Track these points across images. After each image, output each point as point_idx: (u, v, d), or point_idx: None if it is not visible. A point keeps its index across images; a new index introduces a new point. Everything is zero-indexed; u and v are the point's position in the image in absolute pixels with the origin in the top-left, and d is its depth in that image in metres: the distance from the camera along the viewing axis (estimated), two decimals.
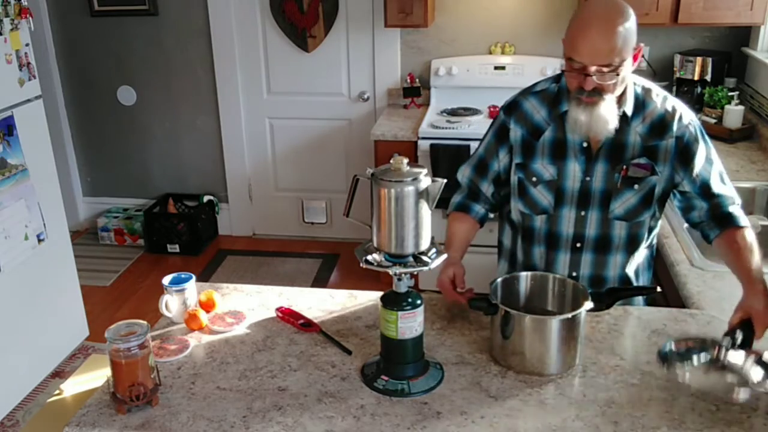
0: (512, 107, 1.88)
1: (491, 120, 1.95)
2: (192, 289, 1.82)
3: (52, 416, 3.00)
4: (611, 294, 1.70)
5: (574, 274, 1.89)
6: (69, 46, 4.46)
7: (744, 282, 1.61)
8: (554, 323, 1.53)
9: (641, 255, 1.91)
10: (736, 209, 1.78)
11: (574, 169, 1.81)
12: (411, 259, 1.47)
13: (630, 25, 1.62)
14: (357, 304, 1.88)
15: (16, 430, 2.93)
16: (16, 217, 2.98)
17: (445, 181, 1.46)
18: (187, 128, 4.54)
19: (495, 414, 1.43)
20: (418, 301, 1.50)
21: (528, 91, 1.88)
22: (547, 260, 1.91)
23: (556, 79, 1.85)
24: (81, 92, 4.57)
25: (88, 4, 4.29)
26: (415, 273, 1.48)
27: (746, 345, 1.51)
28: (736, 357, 1.51)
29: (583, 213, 1.83)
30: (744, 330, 1.52)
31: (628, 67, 1.66)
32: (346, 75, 4.23)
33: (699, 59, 3.51)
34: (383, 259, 1.48)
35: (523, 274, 1.73)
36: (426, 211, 1.45)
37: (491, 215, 2.00)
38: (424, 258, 1.47)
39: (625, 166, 1.78)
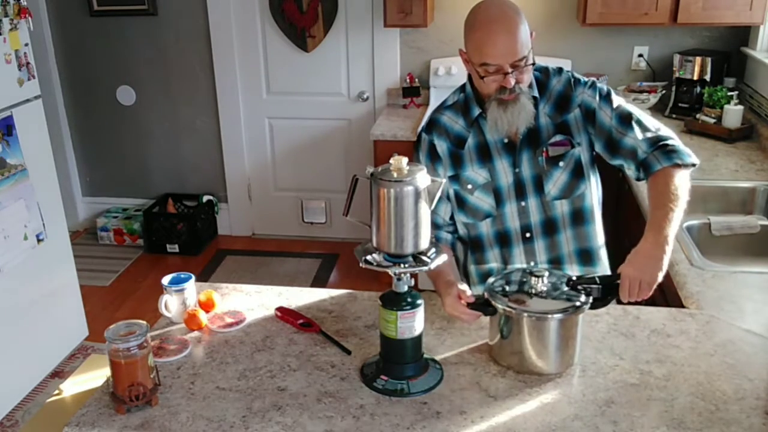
0: (431, 125, 1.93)
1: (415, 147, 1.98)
2: (191, 289, 1.82)
3: (52, 416, 3.00)
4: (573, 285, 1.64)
5: (532, 262, 1.92)
6: (68, 46, 4.46)
7: (646, 228, 1.64)
8: (552, 322, 1.53)
9: (594, 228, 1.92)
10: (655, 151, 1.74)
11: (502, 165, 1.86)
12: (410, 258, 1.47)
13: (522, 15, 1.71)
14: (356, 304, 1.88)
15: (16, 430, 2.93)
16: (16, 217, 2.97)
17: (445, 180, 1.46)
18: (187, 128, 4.54)
19: (494, 414, 1.43)
20: (418, 301, 1.50)
21: (440, 108, 1.94)
22: (503, 260, 1.94)
23: (461, 89, 1.91)
24: (80, 92, 4.57)
25: (87, 3, 4.29)
26: (415, 273, 1.48)
27: (603, 297, 1.57)
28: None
29: (522, 204, 1.88)
30: (607, 289, 1.57)
31: (531, 54, 1.73)
32: (345, 75, 4.23)
33: (698, 59, 3.51)
34: (383, 259, 1.48)
35: (518, 270, 1.73)
36: (425, 210, 1.45)
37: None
38: (424, 258, 1.47)
39: (544, 149, 1.83)
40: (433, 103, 3.98)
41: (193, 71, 4.38)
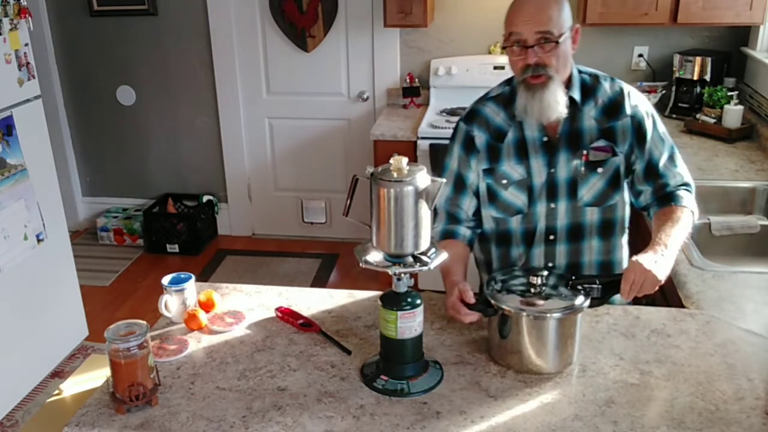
0: (472, 115, 1.91)
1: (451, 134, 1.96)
2: (191, 289, 1.82)
3: (52, 416, 3.00)
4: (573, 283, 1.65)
5: (550, 264, 1.90)
6: (68, 46, 4.46)
7: (652, 240, 1.69)
8: (551, 321, 1.53)
9: (618, 242, 1.92)
10: (681, 190, 1.83)
11: (538, 164, 1.83)
12: (410, 258, 1.47)
13: (564, 4, 1.70)
14: (356, 304, 1.88)
15: (16, 430, 2.93)
16: (16, 217, 2.97)
17: (445, 180, 1.46)
18: (187, 128, 4.54)
19: (494, 414, 1.43)
20: (418, 301, 1.50)
21: (484, 98, 1.92)
22: (525, 258, 1.92)
23: (508, 82, 1.89)
24: (80, 92, 4.57)
25: (87, 3, 4.29)
26: (415, 273, 1.48)
27: (603, 296, 1.60)
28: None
29: (552, 205, 1.85)
30: (607, 286, 1.59)
31: (567, 44, 1.71)
32: (345, 75, 4.23)
33: (698, 59, 3.52)
34: (383, 259, 1.48)
35: (517, 270, 1.73)
36: (425, 211, 1.45)
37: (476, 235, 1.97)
38: (424, 258, 1.47)
39: (585, 152, 1.80)
40: (433, 103, 3.98)
41: (193, 71, 4.38)
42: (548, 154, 1.82)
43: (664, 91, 3.67)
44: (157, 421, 1.44)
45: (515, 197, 1.87)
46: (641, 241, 1.89)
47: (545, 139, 1.82)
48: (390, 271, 1.47)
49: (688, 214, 1.78)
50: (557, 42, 1.67)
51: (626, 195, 1.89)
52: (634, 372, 1.55)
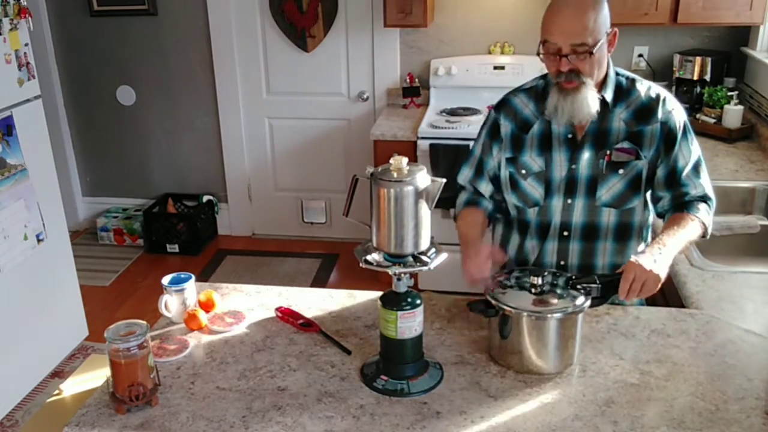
0: (502, 104, 1.94)
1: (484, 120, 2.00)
2: (191, 289, 1.82)
3: (52, 416, 3.00)
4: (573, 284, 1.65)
5: (563, 263, 1.91)
6: (68, 46, 4.45)
7: (653, 241, 1.71)
8: (552, 321, 1.53)
9: (635, 247, 1.91)
10: (700, 202, 1.81)
11: (560, 158, 1.84)
12: (410, 258, 1.47)
13: (602, 8, 1.69)
14: (356, 304, 1.88)
15: (16, 430, 2.93)
16: (16, 217, 2.97)
17: (445, 180, 1.46)
18: (187, 128, 4.54)
19: (494, 414, 1.43)
20: (418, 301, 1.50)
21: (518, 89, 1.95)
22: (538, 252, 1.93)
23: (544, 76, 1.89)
24: (80, 92, 4.56)
25: (87, 4, 4.29)
26: (415, 273, 1.48)
27: (603, 296, 1.60)
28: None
29: (569, 201, 1.86)
30: (607, 285, 1.60)
31: (603, 50, 1.71)
32: (345, 75, 4.23)
33: (698, 59, 3.52)
34: (383, 259, 1.48)
35: (518, 270, 1.73)
36: (425, 211, 1.45)
37: (498, 215, 2.01)
38: (424, 258, 1.47)
39: (608, 152, 1.81)
40: (433, 103, 3.99)
41: (193, 71, 4.38)
42: (571, 150, 1.83)
43: None
44: (157, 421, 1.44)
45: (533, 188, 1.88)
46: None
47: (570, 135, 1.83)
48: (390, 271, 1.47)
49: (697, 224, 1.77)
50: (591, 52, 1.68)
51: (645, 200, 1.88)
52: (634, 372, 1.55)
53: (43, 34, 4.32)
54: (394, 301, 1.50)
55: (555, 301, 1.57)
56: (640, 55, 3.83)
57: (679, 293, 1.95)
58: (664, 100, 1.81)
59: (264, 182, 4.58)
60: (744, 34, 3.66)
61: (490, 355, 1.62)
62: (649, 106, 1.81)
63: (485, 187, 1.96)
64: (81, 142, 4.70)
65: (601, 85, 1.79)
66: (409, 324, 1.50)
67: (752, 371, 1.54)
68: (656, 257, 1.63)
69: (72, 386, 3.19)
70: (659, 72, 3.79)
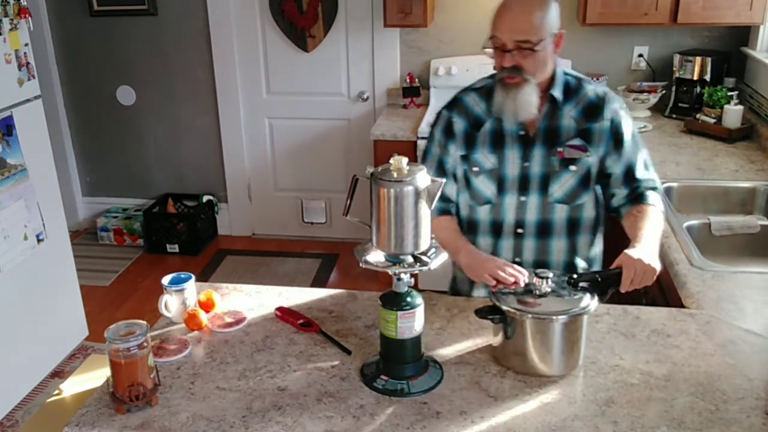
0: (454, 103, 1.98)
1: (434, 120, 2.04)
2: (191, 289, 1.82)
3: (52, 416, 3.00)
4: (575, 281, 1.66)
5: (518, 260, 1.94)
6: (68, 46, 4.45)
7: (631, 240, 1.74)
8: (557, 324, 1.53)
9: (586, 243, 1.96)
10: (651, 192, 1.89)
11: (513, 156, 1.88)
12: (410, 258, 1.47)
13: (549, 9, 1.75)
14: (356, 304, 1.88)
15: (16, 430, 2.93)
16: (16, 217, 2.97)
17: (445, 180, 1.46)
18: (187, 128, 4.54)
19: (494, 414, 1.43)
20: (418, 301, 1.50)
21: (467, 89, 1.99)
22: (492, 250, 1.96)
23: (492, 75, 1.94)
24: (80, 92, 4.56)
25: (87, 4, 4.29)
26: (415, 273, 1.48)
27: (602, 292, 1.62)
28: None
29: (523, 198, 1.90)
30: (608, 280, 1.62)
31: (546, 49, 1.76)
32: (345, 75, 4.23)
33: (698, 59, 3.51)
34: (383, 259, 1.48)
35: (524, 272, 1.72)
36: (425, 210, 1.45)
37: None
38: (424, 258, 1.47)
39: (560, 149, 1.86)
40: (433, 103, 3.98)
41: (193, 71, 4.38)
42: (524, 147, 1.88)
43: (664, 91, 3.67)
44: (157, 421, 1.44)
45: (485, 186, 1.92)
46: (617, 241, 1.90)
47: (522, 132, 1.88)
48: (390, 271, 1.47)
49: (658, 211, 1.85)
50: (533, 49, 1.73)
51: (595, 196, 1.94)
52: (634, 372, 1.55)
53: (43, 34, 4.32)
54: (394, 301, 1.50)
55: (560, 302, 1.56)
56: (640, 55, 3.83)
57: (679, 293, 1.95)
58: (610, 98, 1.88)
59: (264, 182, 4.58)
60: (744, 34, 3.66)
61: (493, 356, 1.61)
62: (597, 104, 1.87)
63: (449, 188, 1.96)
64: (81, 142, 4.70)
65: (549, 84, 1.84)
66: (409, 324, 1.50)
67: (752, 371, 1.54)
68: (648, 250, 1.68)
69: (72, 386, 3.19)
70: (659, 72, 3.79)
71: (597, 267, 2.02)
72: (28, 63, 3.04)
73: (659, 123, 3.55)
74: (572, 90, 1.88)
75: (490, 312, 1.58)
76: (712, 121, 3.29)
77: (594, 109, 1.86)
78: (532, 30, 1.72)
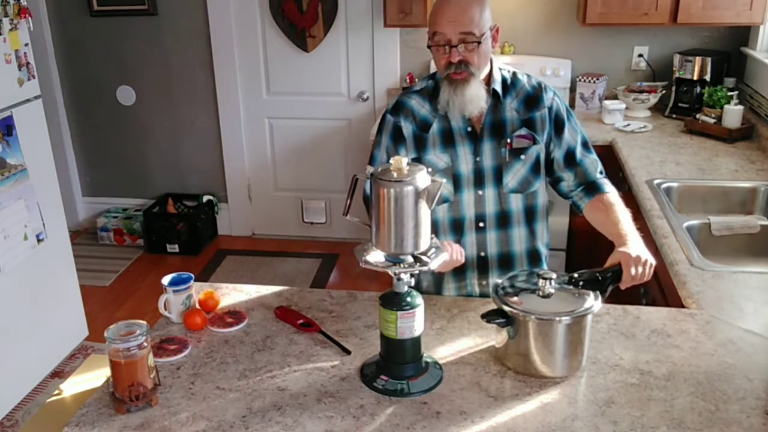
0: (398, 107, 1.98)
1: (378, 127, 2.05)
2: (191, 289, 1.81)
3: (52, 416, 3.00)
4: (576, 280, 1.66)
5: (482, 254, 1.97)
6: (68, 46, 4.46)
7: (615, 237, 1.78)
8: (560, 325, 1.52)
9: (543, 229, 2.02)
10: (600, 177, 1.97)
11: (464, 152, 1.91)
12: (410, 258, 1.47)
13: (485, 4, 1.80)
14: (356, 304, 1.88)
15: (16, 430, 2.93)
16: (16, 217, 2.97)
17: (444, 180, 1.46)
18: (187, 128, 4.54)
19: (494, 414, 1.43)
20: (418, 301, 1.50)
21: (408, 92, 2.01)
22: None
23: (431, 76, 1.97)
24: (80, 92, 4.57)
25: (87, 3, 4.29)
26: (415, 273, 1.48)
27: (603, 290, 1.62)
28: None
29: (480, 193, 1.93)
30: (609, 278, 1.63)
31: (488, 43, 1.82)
32: (345, 75, 4.23)
33: (698, 59, 3.52)
34: (383, 259, 1.48)
35: (523, 273, 1.72)
36: (425, 210, 1.45)
37: None
38: (424, 258, 1.47)
39: (509, 140, 1.90)
40: None
41: (193, 71, 4.38)
42: (474, 142, 1.91)
43: (664, 91, 3.67)
44: (157, 421, 1.44)
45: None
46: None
47: (469, 129, 1.91)
48: (390, 271, 1.47)
49: (617, 197, 1.92)
50: (479, 42, 1.77)
51: (544, 183, 2.00)
52: (634, 372, 1.55)
53: (43, 34, 4.33)
54: (394, 301, 1.49)
55: (564, 303, 1.56)
56: (640, 55, 3.83)
57: (679, 293, 1.95)
58: (545, 87, 1.95)
59: (264, 182, 4.58)
60: (744, 34, 3.66)
61: (496, 356, 1.61)
62: (535, 94, 1.93)
63: None
64: (81, 142, 4.71)
65: (489, 79, 1.89)
66: (409, 324, 1.50)
67: (752, 371, 1.54)
68: (640, 246, 1.72)
69: (72, 386, 3.19)
70: (659, 72, 3.79)
71: (546, 251, 2.07)
72: (28, 63, 3.04)
73: (659, 123, 3.55)
74: (509, 83, 1.93)
75: (496, 316, 1.57)
76: (712, 121, 3.29)
77: (533, 99, 1.92)
78: (474, 23, 1.76)
